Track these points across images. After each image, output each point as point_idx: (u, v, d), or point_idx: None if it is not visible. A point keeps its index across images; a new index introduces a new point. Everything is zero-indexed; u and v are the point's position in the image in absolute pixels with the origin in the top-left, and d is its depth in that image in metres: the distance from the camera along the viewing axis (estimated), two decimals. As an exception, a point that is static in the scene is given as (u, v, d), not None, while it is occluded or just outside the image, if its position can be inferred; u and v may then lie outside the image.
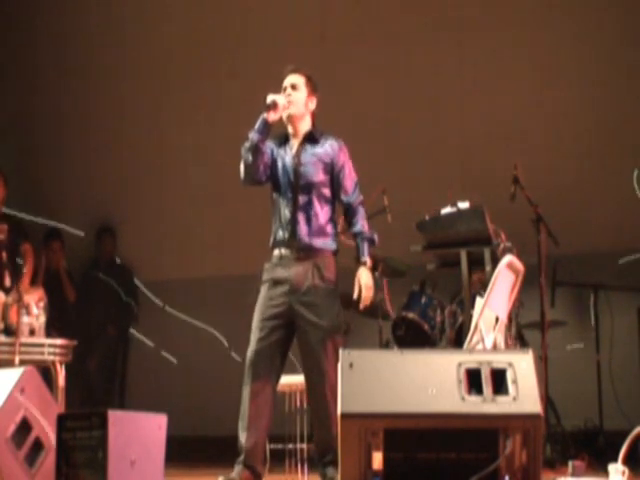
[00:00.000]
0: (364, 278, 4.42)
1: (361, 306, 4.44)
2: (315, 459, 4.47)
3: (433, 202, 5.54)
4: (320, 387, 4.31)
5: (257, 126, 4.39)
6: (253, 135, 4.38)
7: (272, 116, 4.40)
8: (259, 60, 7.69)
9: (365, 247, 4.49)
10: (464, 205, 5.26)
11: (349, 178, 4.53)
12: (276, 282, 4.41)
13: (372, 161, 7.36)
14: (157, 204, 8.11)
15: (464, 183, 6.94)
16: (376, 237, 4.54)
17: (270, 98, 4.41)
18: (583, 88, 7.13)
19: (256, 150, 4.38)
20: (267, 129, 4.40)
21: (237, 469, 4.31)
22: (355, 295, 4.42)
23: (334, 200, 4.55)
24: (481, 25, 7.46)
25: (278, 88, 4.52)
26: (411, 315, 5.86)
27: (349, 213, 4.55)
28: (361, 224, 4.53)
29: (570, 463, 4.26)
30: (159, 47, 8.27)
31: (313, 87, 4.55)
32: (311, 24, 7.86)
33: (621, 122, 7.02)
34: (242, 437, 4.32)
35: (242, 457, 4.31)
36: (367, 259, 4.47)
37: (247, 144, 4.40)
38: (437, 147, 7.38)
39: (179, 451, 4.90)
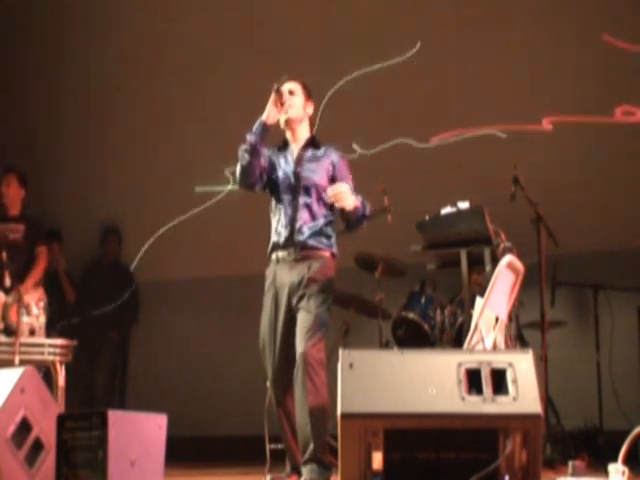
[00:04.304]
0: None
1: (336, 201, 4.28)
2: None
3: (433, 202, 5.54)
4: (301, 375, 4.22)
5: (254, 128, 4.43)
6: (250, 137, 4.42)
7: (272, 116, 4.42)
8: (261, 61, 7.68)
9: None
10: (464, 205, 5.26)
11: (349, 182, 4.45)
12: (277, 287, 4.42)
13: (372, 161, 7.39)
14: (159, 205, 8.10)
15: (464, 183, 6.94)
16: (368, 209, 4.45)
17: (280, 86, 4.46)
18: (583, 87, 7.12)
19: (253, 151, 4.41)
20: (264, 131, 4.43)
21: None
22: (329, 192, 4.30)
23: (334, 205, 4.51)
24: (481, 24, 7.46)
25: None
26: (411, 315, 5.86)
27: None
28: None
29: (570, 463, 4.25)
30: (161, 48, 8.27)
31: (309, 93, 4.62)
32: (309, 27, 7.86)
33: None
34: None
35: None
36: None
37: (244, 146, 4.43)
38: (437, 147, 7.38)
39: (179, 451, 4.90)
